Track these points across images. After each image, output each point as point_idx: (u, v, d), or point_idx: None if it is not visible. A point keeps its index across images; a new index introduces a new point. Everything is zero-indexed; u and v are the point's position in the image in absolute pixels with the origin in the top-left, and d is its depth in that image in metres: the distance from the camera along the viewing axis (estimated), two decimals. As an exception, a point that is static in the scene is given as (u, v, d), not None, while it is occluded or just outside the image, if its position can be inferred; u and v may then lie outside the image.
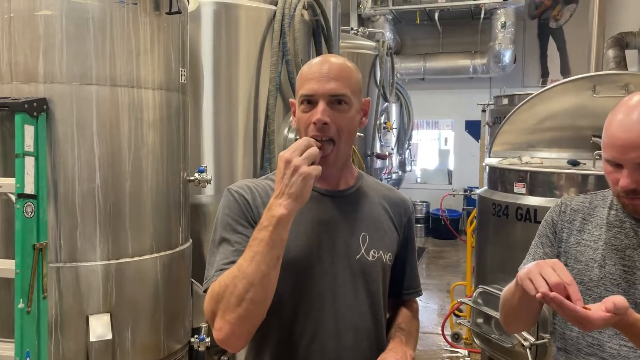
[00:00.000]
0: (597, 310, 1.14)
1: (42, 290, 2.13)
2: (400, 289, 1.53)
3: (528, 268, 1.20)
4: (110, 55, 2.30)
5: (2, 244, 2.33)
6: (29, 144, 2.11)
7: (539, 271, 1.16)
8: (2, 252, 2.33)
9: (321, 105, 1.28)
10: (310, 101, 1.30)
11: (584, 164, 2.87)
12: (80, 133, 2.27)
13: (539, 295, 1.14)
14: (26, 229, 2.08)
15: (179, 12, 2.51)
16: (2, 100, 2.16)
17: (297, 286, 1.32)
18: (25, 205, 2.08)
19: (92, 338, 2.25)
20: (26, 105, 2.11)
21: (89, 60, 2.26)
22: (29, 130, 2.12)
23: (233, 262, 1.22)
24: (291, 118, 1.43)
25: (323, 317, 1.33)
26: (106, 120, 2.31)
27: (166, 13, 2.46)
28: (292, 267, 1.30)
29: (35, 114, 2.14)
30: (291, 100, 1.41)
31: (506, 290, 1.47)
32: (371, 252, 1.38)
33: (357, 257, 1.37)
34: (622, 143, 1.28)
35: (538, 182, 2.82)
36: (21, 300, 2.05)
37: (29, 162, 2.10)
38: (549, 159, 3.16)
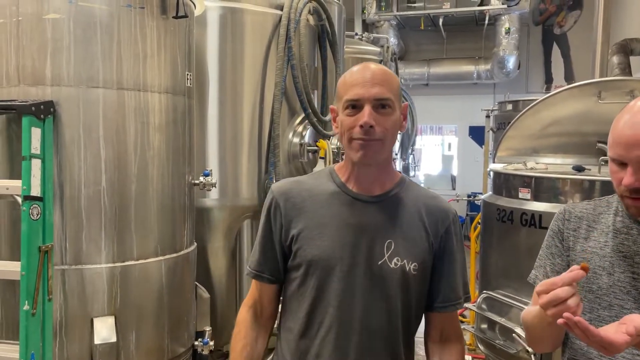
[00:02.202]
0: (618, 332, 1.13)
1: (47, 292, 2.13)
2: (432, 301, 1.51)
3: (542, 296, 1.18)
4: (117, 59, 2.31)
5: (7, 246, 2.34)
6: (35, 146, 2.12)
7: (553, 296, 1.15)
8: (7, 254, 2.34)
9: (367, 109, 1.32)
10: (355, 106, 1.34)
11: (589, 169, 2.87)
12: (86, 136, 2.28)
13: (561, 321, 1.13)
14: (32, 231, 2.08)
15: (185, 17, 2.52)
16: (9, 103, 2.18)
17: (319, 282, 1.40)
18: (32, 207, 2.08)
19: (97, 341, 2.25)
20: (33, 108, 2.12)
21: (96, 64, 2.28)
22: (36, 133, 2.13)
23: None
24: (333, 125, 1.45)
25: (338, 314, 1.39)
26: (112, 123, 2.32)
27: (173, 17, 2.48)
28: (315, 265, 1.39)
29: (42, 116, 2.15)
30: (332, 106, 1.45)
31: (527, 313, 1.45)
32: (394, 260, 1.40)
33: (380, 262, 1.39)
34: (626, 140, 1.27)
35: (543, 188, 2.81)
36: (26, 302, 2.05)
37: (36, 164, 2.11)
38: (554, 165, 3.16)
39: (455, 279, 1.50)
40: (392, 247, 1.40)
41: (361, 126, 1.32)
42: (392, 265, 1.39)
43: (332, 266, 1.39)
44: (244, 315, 1.56)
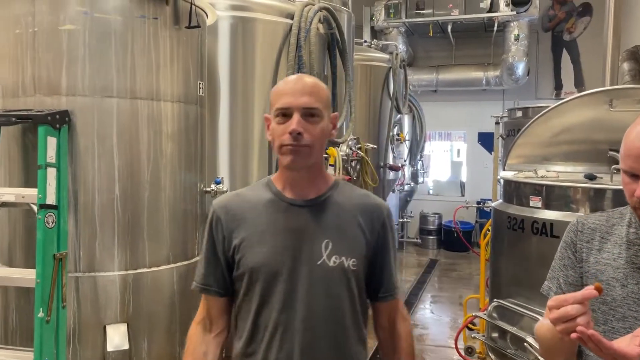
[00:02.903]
0: (632, 345, 1.13)
1: (61, 299, 2.16)
2: (376, 292, 1.60)
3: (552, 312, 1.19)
4: (131, 69, 2.34)
5: (22, 253, 2.37)
6: (51, 155, 2.15)
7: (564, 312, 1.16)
8: (22, 262, 2.37)
9: (296, 117, 1.41)
10: (285, 114, 1.42)
11: (601, 178, 2.86)
12: (100, 144, 2.31)
13: (574, 335, 1.14)
14: (47, 239, 2.11)
15: (198, 27, 2.55)
16: (25, 113, 2.21)
17: (263, 288, 1.46)
18: (47, 215, 2.11)
19: (110, 348, 2.27)
20: (49, 118, 2.15)
21: (110, 74, 2.31)
22: (52, 142, 2.16)
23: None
24: (266, 133, 1.52)
25: (282, 317, 1.46)
26: (126, 132, 2.35)
27: (185, 27, 2.51)
28: (258, 272, 1.46)
29: (57, 126, 2.18)
30: (265, 115, 1.51)
31: (540, 325, 1.45)
32: (333, 258, 1.47)
33: (319, 262, 1.47)
34: (637, 152, 1.27)
35: (554, 196, 2.81)
36: (41, 309, 2.07)
37: (51, 173, 2.14)
38: (565, 173, 3.15)
39: (392, 270, 1.61)
40: (330, 246, 1.47)
41: (290, 133, 1.39)
42: (332, 264, 1.47)
43: (273, 271, 1.46)
44: (192, 331, 1.60)
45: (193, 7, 2.50)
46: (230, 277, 1.53)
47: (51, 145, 2.16)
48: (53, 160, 2.16)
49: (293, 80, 1.48)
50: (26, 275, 2.16)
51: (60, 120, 2.20)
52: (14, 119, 2.20)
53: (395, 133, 6.85)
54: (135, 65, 2.35)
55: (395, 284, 1.61)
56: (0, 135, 2.39)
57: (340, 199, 1.54)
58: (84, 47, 2.27)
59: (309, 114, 1.42)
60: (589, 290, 1.17)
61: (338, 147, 3.97)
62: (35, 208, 2.13)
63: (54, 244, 2.14)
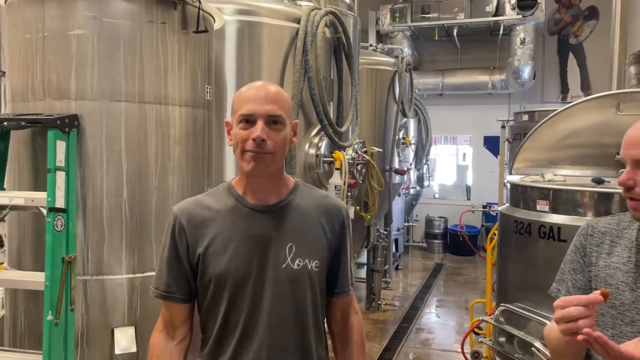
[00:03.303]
0: (638, 348, 1.13)
1: (69, 302, 2.17)
2: (332, 289, 1.64)
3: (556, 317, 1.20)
4: (139, 73, 2.36)
5: (31, 256, 2.39)
6: (60, 159, 2.17)
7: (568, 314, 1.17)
8: (31, 265, 2.38)
9: (260, 124, 1.42)
10: (248, 120, 1.44)
11: (609, 181, 2.85)
12: (109, 148, 2.33)
13: (580, 337, 1.14)
14: (56, 242, 2.12)
15: (205, 31, 2.56)
16: (35, 117, 2.23)
17: (230, 295, 1.49)
18: (56, 219, 2.12)
19: (117, 351, 2.28)
20: (58, 122, 2.17)
21: (118, 78, 2.32)
22: (61, 146, 2.17)
23: None
24: (227, 137, 1.53)
25: (249, 322, 1.49)
26: (134, 136, 2.37)
27: (193, 32, 2.52)
28: (224, 279, 1.48)
29: (66, 130, 2.20)
30: (226, 120, 1.54)
31: (549, 329, 1.45)
32: (297, 261, 1.51)
33: (284, 266, 1.50)
34: (626, 140, 1.33)
35: (561, 200, 2.79)
36: (50, 312, 2.09)
37: (60, 176, 2.16)
38: (572, 177, 3.14)
39: (348, 267, 1.66)
40: (294, 250, 1.51)
41: (254, 139, 1.41)
42: (295, 267, 1.51)
43: (240, 278, 1.48)
44: (155, 340, 1.59)
45: (201, 12, 2.52)
46: (195, 283, 1.54)
47: (60, 149, 2.17)
48: (62, 164, 2.18)
49: (257, 87, 1.48)
50: (35, 278, 2.17)
51: (69, 124, 2.21)
52: (23, 123, 2.22)
53: (401, 137, 6.85)
54: (143, 69, 2.36)
55: (350, 281, 1.67)
56: (10, 139, 2.42)
57: (301, 202, 1.57)
58: (93, 52, 2.29)
59: (272, 121, 1.44)
60: (595, 295, 1.18)
61: (344, 150, 3.97)
62: (44, 211, 2.14)
63: (63, 247, 2.16)
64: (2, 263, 2.70)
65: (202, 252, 1.51)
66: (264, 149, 1.43)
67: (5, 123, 2.25)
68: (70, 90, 2.29)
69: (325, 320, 1.67)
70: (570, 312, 1.17)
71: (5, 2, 2.52)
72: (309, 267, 1.52)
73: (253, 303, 1.49)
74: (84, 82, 2.29)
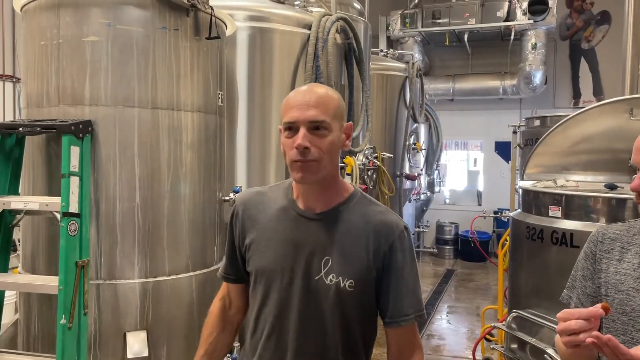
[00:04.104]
0: None
1: (83, 306, 2.19)
2: (383, 317, 1.55)
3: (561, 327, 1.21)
4: (152, 79, 2.38)
5: (45, 260, 2.41)
6: (74, 164, 2.19)
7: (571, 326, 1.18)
8: (45, 269, 2.41)
9: (302, 132, 1.39)
10: (292, 128, 1.41)
11: (622, 187, 2.83)
12: (122, 154, 2.35)
13: (589, 340, 1.14)
14: (70, 246, 2.14)
15: (217, 37, 2.58)
16: (50, 123, 2.25)
17: (264, 291, 1.51)
18: (70, 223, 2.15)
19: (129, 355, 2.29)
20: (73, 127, 2.19)
21: (132, 84, 2.35)
22: (75, 151, 2.20)
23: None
24: (281, 145, 1.50)
25: (277, 325, 1.50)
26: (147, 142, 2.39)
27: (206, 38, 2.54)
28: (261, 274, 1.51)
29: (80, 135, 2.22)
30: (280, 127, 1.50)
31: (558, 339, 1.44)
32: (330, 276, 1.45)
33: (316, 278, 1.46)
34: (637, 145, 1.32)
35: (574, 206, 2.78)
36: (63, 316, 2.10)
37: (74, 182, 2.18)
38: (585, 183, 3.12)
39: (402, 295, 1.50)
40: (329, 264, 1.46)
41: (297, 148, 1.38)
42: (327, 282, 1.46)
43: (273, 278, 1.50)
44: (214, 306, 1.70)
45: (213, 18, 2.54)
46: (245, 268, 1.59)
47: (74, 155, 2.20)
48: (76, 169, 2.20)
49: (302, 92, 1.45)
50: (49, 282, 2.19)
51: (83, 130, 2.24)
52: (38, 129, 2.25)
53: (411, 142, 6.84)
54: (156, 75, 2.39)
55: (404, 311, 1.50)
56: (25, 144, 2.45)
57: (351, 215, 1.50)
58: (106, 58, 2.32)
59: (316, 127, 1.40)
60: (596, 309, 1.19)
61: (355, 156, 3.97)
62: (58, 216, 2.16)
63: (76, 252, 2.18)
64: (16, 267, 2.73)
65: (249, 243, 1.55)
66: (307, 157, 1.39)
67: (20, 129, 2.28)
68: (84, 97, 2.32)
69: (362, 347, 1.56)
70: (570, 325, 1.18)
71: (21, 9, 2.56)
72: (342, 285, 1.45)
73: (281, 307, 1.49)
74: (97, 88, 2.32)
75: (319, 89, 1.46)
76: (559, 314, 1.22)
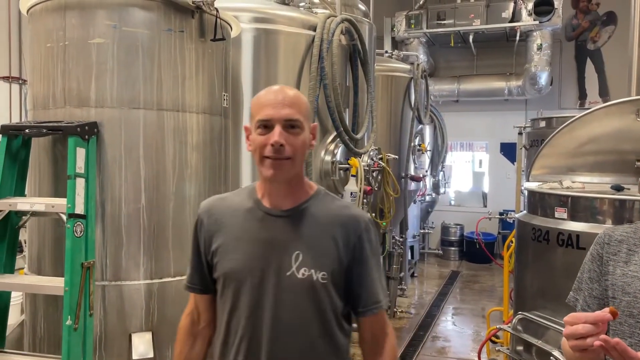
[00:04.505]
0: None
1: (88, 307, 2.19)
2: (356, 307, 1.57)
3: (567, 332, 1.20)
4: (158, 81, 2.39)
5: (51, 261, 2.42)
6: (80, 165, 2.20)
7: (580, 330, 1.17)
8: (51, 270, 2.42)
9: (277, 129, 1.41)
10: (266, 125, 1.43)
11: (628, 189, 2.81)
12: (127, 155, 2.35)
13: (597, 343, 1.13)
14: (76, 247, 2.15)
15: (222, 39, 2.59)
16: (56, 124, 2.26)
17: (233, 294, 1.50)
18: (75, 224, 2.15)
19: (135, 356, 2.30)
20: (78, 129, 2.20)
21: (137, 86, 2.36)
22: (81, 153, 2.20)
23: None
24: (247, 142, 1.52)
25: (249, 325, 1.48)
26: (152, 143, 2.39)
27: (211, 40, 2.55)
28: (230, 277, 1.50)
29: (86, 137, 2.23)
30: (245, 125, 1.52)
31: (564, 342, 1.44)
32: (302, 270, 1.47)
33: (288, 274, 1.47)
34: None
35: (580, 207, 2.76)
36: (69, 317, 2.11)
37: (80, 183, 2.19)
38: (591, 184, 3.11)
39: (373, 284, 1.55)
40: (300, 258, 1.47)
41: (272, 145, 1.40)
42: (300, 276, 1.46)
43: (243, 279, 1.48)
44: (182, 322, 1.68)
45: (218, 20, 2.55)
46: (211, 277, 1.57)
47: (80, 156, 2.21)
48: (82, 171, 2.21)
49: (274, 91, 1.47)
50: (55, 284, 2.20)
51: (89, 132, 2.25)
52: (44, 130, 2.26)
53: (416, 143, 6.83)
54: (161, 77, 2.39)
55: (376, 298, 1.56)
56: (31, 146, 2.46)
57: (318, 211, 1.53)
58: (112, 60, 2.33)
59: (290, 125, 1.43)
60: (603, 313, 1.18)
61: (360, 157, 3.97)
62: (64, 217, 2.17)
63: (82, 253, 2.18)
64: (23, 268, 2.74)
65: (215, 248, 1.53)
66: (282, 154, 1.42)
67: (26, 130, 2.29)
68: (90, 98, 2.33)
69: (339, 336, 1.57)
70: (578, 330, 1.17)
71: (27, 11, 2.57)
72: (314, 277, 1.47)
73: (253, 307, 1.48)
74: (103, 90, 2.33)
75: (289, 90, 1.50)
76: (566, 318, 1.21)
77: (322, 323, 1.51)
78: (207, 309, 1.62)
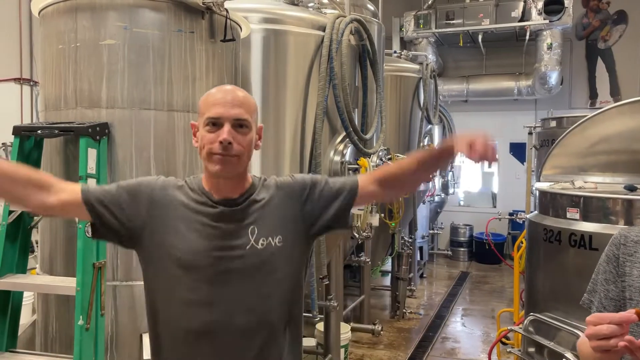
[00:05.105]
0: None
1: (100, 307, 2.20)
2: (350, 200, 1.63)
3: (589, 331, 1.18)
4: (168, 81, 2.39)
5: (63, 262, 2.43)
6: (91, 166, 2.21)
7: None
8: (62, 270, 2.43)
9: (227, 127, 1.45)
10: (215, 123, 1.46)
11: (641, 189, 2.79)
12: (138, 155, 2.36)
13: (622, 344, 1.12)
14: (87, 248, 2.16)
15: (232, 40, 2.59)
16: (67, 125, 2.28)
17: (195, 285, 1.48)
18: (87, 225, 2.16)
19: (145, 356, 2.30)
20: (90, 130, 2.21)
21: (148, 86, 2.36)
22: (92, 153, 2.22)
23: None
24: (193, 139, 1.55)
25: (210, 314, 1.48)
26: (163, 144, 2.40)
27: (221, 40, 2.55)
28: (190, 270, 1.48)
29: (97, 137, 2.24)
30: (192, 122, 1.56)
31: (582, 342, 1.42)
32: (260, 241, 1.52)
33: (247, 247, 1.51)
34: None
35: (593, 208, 2.74)
36: (80, 317, 2.12)
37: (91, 183, 2.20)
38: (603, 184, 3.08)
39: (340, 184, 1.64)
40: (256, 231, 1.52)
41: (221, 142, 1.44)
42: (259, 246, 1.51)
43: (208, 266, 1.48)
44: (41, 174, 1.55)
45: (228, 20, 2.55)
46: (109, 222, 1.50)
47: (91, 157, 2.22)
48: (93, 171, 2.22)
49: (225, 90, 1.51)
50: (67, 284, 2.21)
51: (100, 132, 2.26)
52: (56, 131, 2.27)
53: (425, 143, 6.80)
54: (172, 78, 2.40)
55: (353, 184, 1.63)
56: (43, 147, 2.47)
57: (263, 193, 1.58)
58: (123, 61, 2.34)
59: (239, 124, 1.47)
60: (629, 314, 1.16)
61: (369, 157, 3.96)
62: (76, 218, 2.18)
63: (94, 253, 2.19)
64: (35, 268, 2.76)
65: (154, 229, 1.50)
66: (230, 152, 1.45)
67: (38, 131, 2.31)
68: (101, 99, 2.34)
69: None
70: (602, 330, 1.15)
71: (38, 13, 2.59)
72: (273, 243, 1.53)
73: (217, 290, 1.48)
74: (114, 90, 2.34)
75: (239, 91, 1.53)
76: (589, 318, 1.20)
77: (283, 291, 1.55)
78: (66, 204, 1.49)
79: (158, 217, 1.52)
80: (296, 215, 1.59)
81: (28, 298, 3.25)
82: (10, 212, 2.31)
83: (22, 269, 2.44)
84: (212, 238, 1.50)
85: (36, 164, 2.47)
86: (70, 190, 1.52)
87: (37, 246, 2.90)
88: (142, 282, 2.34)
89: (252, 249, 1.51)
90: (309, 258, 1.70)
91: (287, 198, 1.60)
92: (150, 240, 1.52)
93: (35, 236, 2.74)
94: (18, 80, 6.55)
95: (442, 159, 1.64)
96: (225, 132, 1.44)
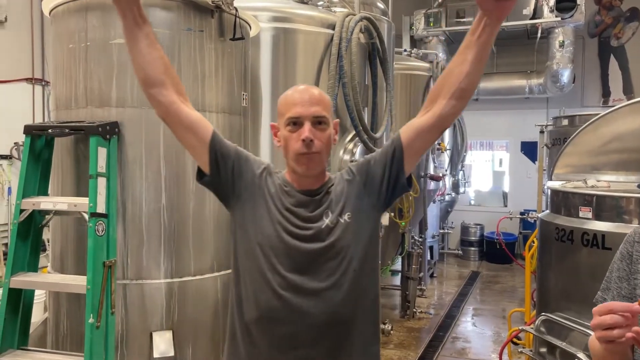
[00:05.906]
0: None
1: (110, 306, 2.21)
2: (409, 144, 1.61)
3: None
4: (178, 81, 2.39)
5: (73, 260, 2.45)
6: (101, 165, 2.22)
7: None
8: (73, 269, 2.44)
9: (307, 125, 1.52)
10: (296, 122, 1.53)
11: (656, 188, 2.75)
12: (148, 154, 2.37)
13: (629, 335, 1.10)
14: (97, 246, 2.17)
15: (242, 39, 2.59)
16: (78, 124, 2.29)
17: (268, 266, 1.55)
18: (97, 224, 2.17)
19: (156, 354, 2.31)
20: (100, 129, 2.22)
21: (157, 86, 2.36)
22: (102, 153, 2.22)
23: None
24: (274, 139, 1.64)
25: (291, 282, 1.54)
26: (172, 143, 2.38)
27: (230, 39, 2.55)
28: (265, 247, 1.55)
29: (107, 136, 2.25)
30: (272, 123, 1.64)
31: (592, 341, 1.41)
32: (330, 220, 1.57)
33: (323, 226, 1.56)
34: None
35: (606, 207, 2.70)
36: (91, 315, 2.13)
37: (102, 182, 2.21)
38: (617, 183, 3.04)
39: (388, 147, 1.63)
40: (330, 215, 1.58)
41: (303, 140, 1.50)
42: (331, 225, 1.56)
43: (282, 245, 1.56)
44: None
45: (237, 19, 2.55)
46: (217, 170, 1.64)
47: (102, 156, 2.22)
48: (103, 170, 2.23)
49: (301, 90, 1.58)
50: (77, 282, 2.22)
51: (110, 131, 2.27)
52: (67, 130, 2.28)
53: (435, 142, 6.77)
54: (181, 76, 2.38)
55: (392, 140, 1.64)
56: (54, 146, 2.49)
57: (334, 181, 1.64)
58: (133, 60, 2.33)
59: (318, 121, 1.54)
60: (634, 304, 1.15)
61: (379, 156, 3.94)
62: (86, 216, 2.19)
63: (104, 252, 2.20)
64: (46, 267, 2.78)
65: (250, 203, 1.60)
66: (312, 149, 1.51)
67: (49, 130, 2.32)
68: (111, 98, 2.35)
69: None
70: (605, 320, 1.14)
71: (49, 13, 2.60)
72: (342, 220, 1.58)
73: (293, 266, 1.53)
74: (124, 90, 2.34)
75: (314, 89, 1.61)
76: (595, 308, 1.19)
77: (358, 259, 1.58)
78: (194, 123, 1.68)
79: (250, 194, 1.61)
80: (361, 193, 1.62)
81: (40, 296, 3.27)
82: (22, 211, 2.33)
83: (34, 267, 2.45)
84: (288, 223, 1.56)
85: (47, 163, 2.49)
86: (203, 121, 1.69)
87: (49, 245, 2.92)
88: (152, 281, 2.36)
89: (326, 229, 1.56)
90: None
91: (353, 175, 1.64)
92: (242, 212, 1.61)
93: (46, 235, 2.76)
94: (30, 80, 6.60)
95: (481, 21, 1.58)
96: (307, 130, 1.51)
